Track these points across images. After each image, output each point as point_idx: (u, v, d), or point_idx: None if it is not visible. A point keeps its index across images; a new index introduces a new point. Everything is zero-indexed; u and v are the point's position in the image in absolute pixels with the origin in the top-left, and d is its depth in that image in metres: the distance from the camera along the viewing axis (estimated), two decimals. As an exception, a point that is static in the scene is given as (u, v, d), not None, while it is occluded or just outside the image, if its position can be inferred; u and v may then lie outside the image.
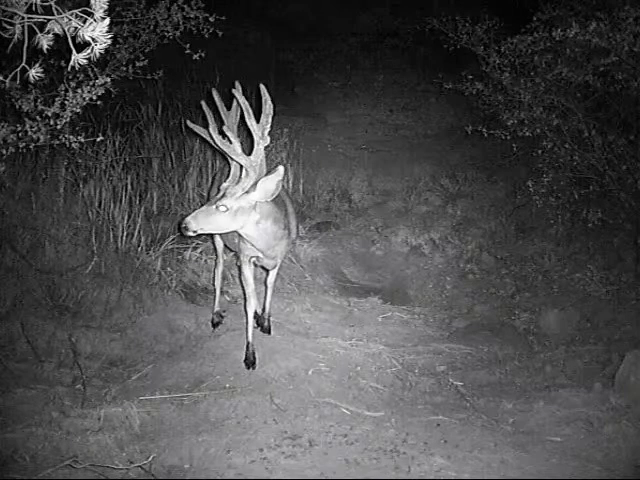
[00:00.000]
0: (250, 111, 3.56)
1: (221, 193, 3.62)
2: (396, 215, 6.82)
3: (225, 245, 4.52)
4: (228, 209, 3.55)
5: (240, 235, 3.85)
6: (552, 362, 4.26)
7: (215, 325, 4.58)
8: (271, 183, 3.61)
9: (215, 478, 3.01)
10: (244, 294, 4.18)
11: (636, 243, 5.23)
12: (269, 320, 4.45)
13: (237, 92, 3.71)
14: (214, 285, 4.73)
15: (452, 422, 3.54)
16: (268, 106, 3.61)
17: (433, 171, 7.24)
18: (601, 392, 3.70)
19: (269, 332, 4.42)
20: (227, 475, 3.02)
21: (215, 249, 4.73)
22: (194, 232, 3.55)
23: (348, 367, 4.15)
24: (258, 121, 3.59)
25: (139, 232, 4.95)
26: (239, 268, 4.18)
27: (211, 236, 4.75)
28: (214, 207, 3.55)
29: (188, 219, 3.52)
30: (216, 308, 4.65)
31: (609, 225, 5.40)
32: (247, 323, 4.10)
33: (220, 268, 4.72)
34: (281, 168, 3.61)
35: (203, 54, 4.63)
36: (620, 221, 5.41)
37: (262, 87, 3.65)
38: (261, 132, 3.60)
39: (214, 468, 3.06)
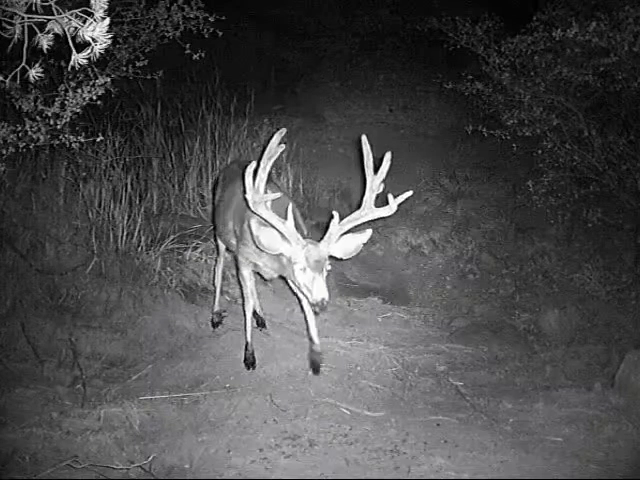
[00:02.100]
0: (371, 163, 3.69)
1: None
2: (396, 215, 6.79)
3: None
4: None
5: (239, 238, 3.86)
6: (552, 362, 4.26)
7: (215, 325, 4.57)
8: (354, 243, 3.60)
9: (215, 478, 3.01)
10: (242, 294, 4.17)
11: (636, 243, 5.23)
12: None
13: (365, 144, 3.68)
14: (214, 284, 4.72)
15: (452, 422, 3.54)
16: (371, 158, 3.68)
17: (433, 171, 7.24)
18: (601, 392, 3.70)
19: (264, 325, 4.49)
20: (227, 475, 3.02)
21: (217, 248, 4.71)
22: None
23: (348, 367, 4.15)
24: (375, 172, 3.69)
25: (139, 232, 4.95)
26: (237, 268, 4.17)
27: (214, 235, 4.74)
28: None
29: (327, 296, 3.35)
30: (216, 308, 4.65)
31: (609, 225, 5.40)
32: (245, 323, 4.09)
33: (221, 267, 4.69)
34: (369, 231, 3.61)
35: (203, 54, 4.63)
36: (620, 221, 5.41)
37: (364, 138, 3.66)
38: (376, 184, 3.67)
39: (214, 468, 3.06)
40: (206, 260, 5.14)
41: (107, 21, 1.93)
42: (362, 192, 3.67)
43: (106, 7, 1.94)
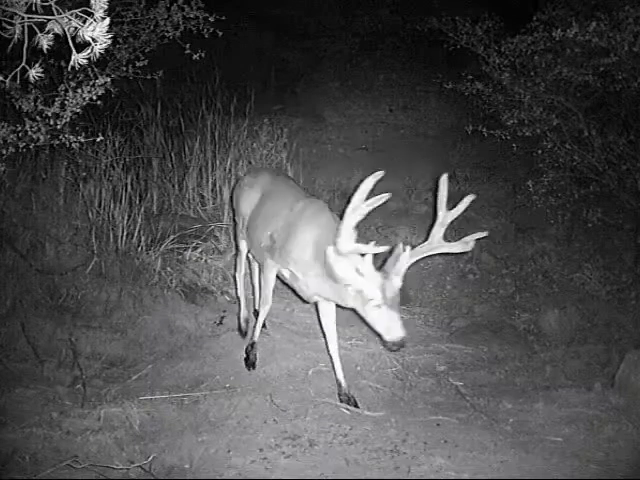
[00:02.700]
0: (445, 199, 3.56)
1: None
2: (396, 215, 6.81)
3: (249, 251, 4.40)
4: None
5: (278, 251, 3.71)
6: (552, 362, 4.26)
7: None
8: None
9: (215, 478, 3.01)
10: (261, 295, 4.05)
11: (636, 243, 5.23)
12: None
13: (444, 184, 3.56)
14: (237, 295, 4.47)
15: (452, 422, 3.54)
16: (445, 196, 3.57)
17: (433, 171, 7.23)
18: (601, 392, 3.70)
19: (264, 325, 4.36)
20: (227, 475, 3.02)
21: (238, 253, 4.52)
22: None
23: (348, 367, 4.15)
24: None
25: (139, 232, 4.95)
26: (261, 268, 4.03)
27: (234, 238, 4.64)
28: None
29: (405, 334, 3.28)
30: (243, 320, 4.44)
31: (609, 225, 5.40)
32: (257, 322, 4.05)
33: (242, 274, 4.46)
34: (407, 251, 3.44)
35: (203, 54, 4.63)
36: (620, 221, 5.41)
37: (444, 178, 3.55)
38: (448, 221, 3.59)
39: (214, 468, 3.06)
40: (206, 260, 5.14)
41: (107, 21, 1.93)
42: (431, 224, 3.62)
43: (106, 7, 1.94)
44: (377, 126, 8.12)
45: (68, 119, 3.81)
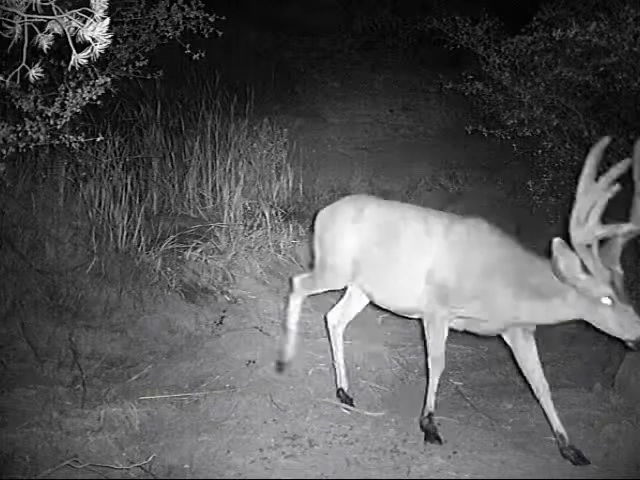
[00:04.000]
0: None
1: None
2: (396, 215, 6.80)
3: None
4: None
5: (443, 290, 3.18)
6: (552, 362, 4.25)
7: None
8: None
9: (215, 478, 3.01)
10: (431, 356, 3.32)
11: (636, 243, 5.22)
12: None
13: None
14: (286, 326, 3.84)
15: (452, 422, 3.54)
16: None
17: (433, 171, 7.24)
18: (601, 392, 3.70)
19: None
20: (227, 475, 3.02)
21: (321, 276, 3.70)
22: None
23: (348, 367, 4.15)
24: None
25: (139, 232, 4.95)
26: (433, 321, 3.28)
27: (319, 277, 3.71)
28: None
29: None
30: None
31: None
32: (429, 388, 3.33)
33: (300, 301, 3.81)
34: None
35: (203, 54, 4.63)
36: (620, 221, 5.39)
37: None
38: None
39: (214, 468, 3.06)
40: (206, 260, 5.13)
41: (107, 21, 1.93)
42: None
43: (106, 7, 1.94)
44: (377, 126, 8.13)
45: (68, 119, 3.82)
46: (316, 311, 5.04)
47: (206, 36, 4.68)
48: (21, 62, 2.09)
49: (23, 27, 2.00)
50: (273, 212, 5.79)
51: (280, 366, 3.82)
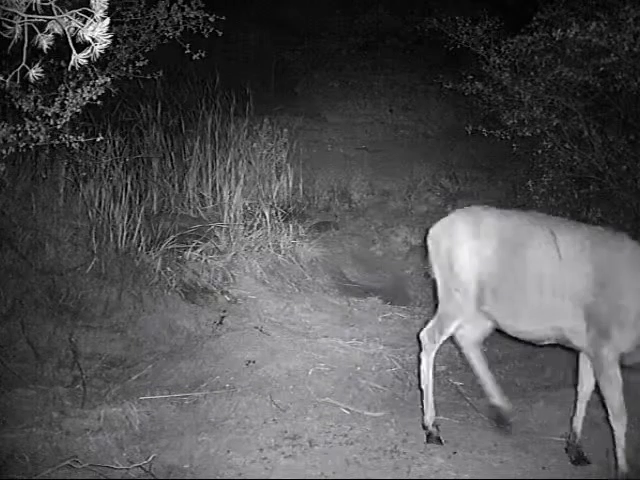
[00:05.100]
0: None
1: None
2: (396, 215, 6.81)
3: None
4: None
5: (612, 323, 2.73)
6: (552, 362, 4.25)
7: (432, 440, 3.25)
8: None
9: (215, 478, 3.01)
10: (613, 403, 2.84)
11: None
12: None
13: None
14: (423, 388, 3.40)
15: (452, 422, 3.54)
16: None
17: (433, 171, 7.24)
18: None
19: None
20: (227, 475, 3.02)
21: (439, 333, 3.34)
22: None
23: (348, 367, 4.15)
24: None
25: (139, 232, 4.95)
26: (600, 364, 2.84)
27: (442, 306, 3.35)
28: None
29: None
30: (429, 420, 3.34)
31: (609, 225, 5.39)
32: (618, 446, 2.86)
33: (433, 357, 3.37)
34: None
35: (203, 54, 4.63)
36: (620, 221, 5.40)
37: None
38: None
39: (214, 468, 3.06)
40: (206, 260, 5.13)
41: (107, 21, 1.93)
42: None
43: (106, 7, 1.93)
44: (377, 126, 8.14)
45: (68, 119, 3.82)
46: (316, 311, 5.04)
47: (206, 36, 4.68)
48: (21, 62, 2.09)
49: (23, 27, 2.00)
50: (273, 212, 5.79)
51: (430, 436, 3.30)
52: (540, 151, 5.58)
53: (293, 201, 6.55)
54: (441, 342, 3.35)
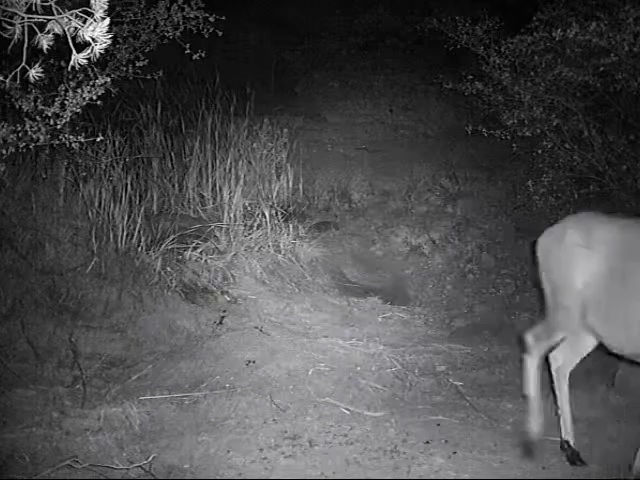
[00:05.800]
0: None
1: None
2: (396, 215, 6.81)
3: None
4: None
5: None
6: (552, 362, 4.25)
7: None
8: None
9: (215, 478, 3.01)
10: None
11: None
12: None
13: None
14: (526, 394, 3.22)
15: (452, 422, 3.54)
16: None
17: (433, 171, 7.23)
18: (601, 392, 3.70)
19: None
20: (227, 475, 3.02)
21: (552, 327, 3.15)
22: None
23: (348, 367, 4.15)
24: None
25: (139, 232, 4.95)
26: None
27: (551, 322, 3.15)
28: None
29: None
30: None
31: None
32: None
33: (538, 361, 3.16)
34: None
35: (203, 54, 4.64)
36: (620, 221, 5.40)
37: None
38: None
39: (214, 468, 3.06)
40: (206, 260, 5.13)
41: (107, 21, 1.93)
42: None
43: (106, 7, 1.93)
44: (377, 126, 8.13)
45: (68, 119, 3.82)
46: (316, 311, 5.05)
47: (206, 36, 4.68)
48: (21, 62, 2.09)
49: (23, 27, 2.00)
50: (273, 212, 5.79)
51: (528, 448, 3.14)
52: (540, 151, 5.58)
53: (293, 201, 6.55)
54: (547, 348, 3.16)
